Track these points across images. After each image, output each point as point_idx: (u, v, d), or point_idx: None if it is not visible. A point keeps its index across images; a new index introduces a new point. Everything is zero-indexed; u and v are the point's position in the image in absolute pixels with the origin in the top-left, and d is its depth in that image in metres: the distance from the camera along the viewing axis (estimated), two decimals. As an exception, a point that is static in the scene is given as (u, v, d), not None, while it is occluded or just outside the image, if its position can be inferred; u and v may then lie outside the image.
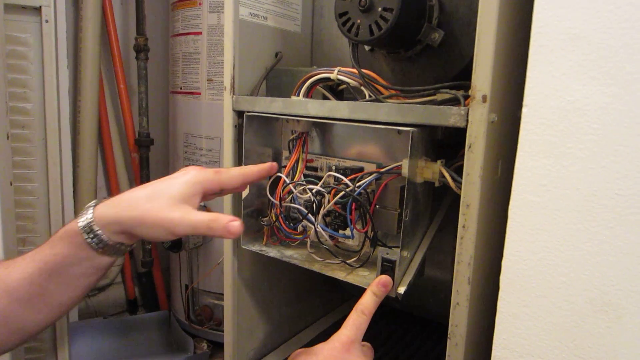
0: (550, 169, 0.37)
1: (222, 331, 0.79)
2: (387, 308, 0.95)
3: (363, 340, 0.53)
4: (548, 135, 0.37)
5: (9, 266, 0.51)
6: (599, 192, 0.35)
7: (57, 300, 0.52)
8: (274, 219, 0.67)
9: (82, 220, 0.50)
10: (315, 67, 0.75)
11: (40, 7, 0.99)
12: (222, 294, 0.77)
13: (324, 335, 0.87)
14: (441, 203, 0.66)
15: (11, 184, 0.86)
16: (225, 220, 0.50)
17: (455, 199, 0.52)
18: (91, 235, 0.50)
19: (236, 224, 0.51)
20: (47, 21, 0.99)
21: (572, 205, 0.37)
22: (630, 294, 0.35)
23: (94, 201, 0.52)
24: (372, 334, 0.78)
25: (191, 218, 0.50)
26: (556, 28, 0.36)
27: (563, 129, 0.36)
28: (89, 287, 0.54)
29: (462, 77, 0.57)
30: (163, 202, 0.51)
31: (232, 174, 0.58)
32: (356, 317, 0.52)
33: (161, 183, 0.53)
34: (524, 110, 0.38)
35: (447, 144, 0.60)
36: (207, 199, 0.58)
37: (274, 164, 0.62)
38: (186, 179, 0.53)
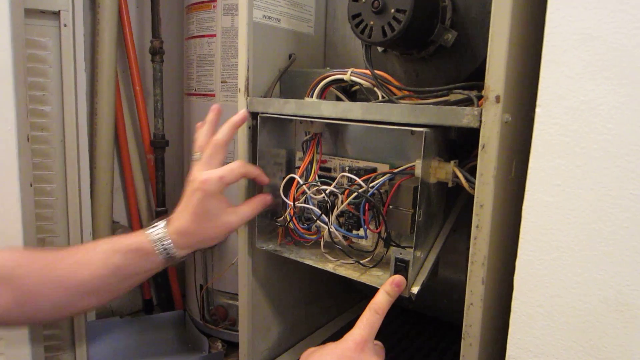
0: (564, 169, 0.37)
1: (237, 331, 0.80)
2: (401, 309, 0.95)
3: (376, 339, 0.53)
4: (562, 135, 0.37)
5: (76, 263, 0.61)
6: (613, 192, 0.35)
7: (118, 292, 0.64)
8: (288, 220, 0.68)
9: (160, 245, 0.62)
10: (328, 68, 0.75)
11: (59, 11, 1.01)
12: (237, 294, 0.77)
13: (338, 336, 0.87)
14: (455, 203, 0.66)
15: (31, 185, 0.88)
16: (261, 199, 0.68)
17: (469, 199, 0.52)
18: (166, 255, 0.62)
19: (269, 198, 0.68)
20: (65, 25, 1.01)
21: (586, 205, 0.37)
22: (646, 294, 0.35)
23: (163, 223, 0.64)
24: (386, 334, 0.78)
25: (243, 218, 0.66)
26: (569, 28, 0.36)
27: (577, 129, 0.36)
28: (145, 279, 0.66)
29: (475, 77, 0.57)
30: (219, 220, 0.64)
31: (234, 171, 0.65)
32: (370, 316, 0.53)
33: (197, 209, 0.62)
34: (538, 111, 0.38)
35: (460, 144, 0.60)
36: None
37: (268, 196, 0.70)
38: (201, 196, 0.62)
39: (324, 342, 0.87)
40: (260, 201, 0.67)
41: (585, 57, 0.35)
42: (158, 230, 0.63)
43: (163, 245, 0.62)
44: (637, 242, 0.35)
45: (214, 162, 0.64)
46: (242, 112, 0.67)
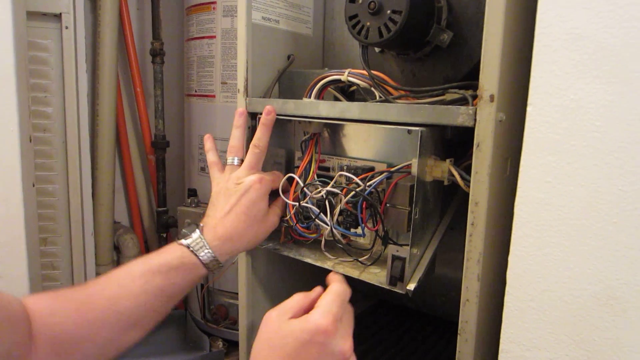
0: (554, 166, 0.38)
1: (237, 330, 0.81)
2: (401, 307, 0.96)
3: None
4: (552, 133, 0.38)
5: (113, 297, 0.55)
6: (602, 189, 0.36)
7: (161, 315, 0.58)
8: (291, 224, 0.68)
9: (204, 255, 0.59)
10: (326, 68, 0.76)
11: (60, 14, 1.02)
12: (237, 294, 0.78)
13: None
14: (452, 201, 0.67)
15: (34, 186, 0.89)
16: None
17: (465, 198, 0.53)
18: (211, 265, 0.60)
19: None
20: (67, 27, 1.02)
21: (576, 201, 0.37)
22: (635, 288, 0.36)
23: (197, 234, 0.61)
24: (386, 333, 0.78)
25: (279, 215, 0.67)
26: (559, 28, 0.37)
27: (567, 127, 0.37)
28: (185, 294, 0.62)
29: (471, 77, 0.57)
30: (266, 220, 0.65)
31: (280, 179, 0.67)
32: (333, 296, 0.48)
33: (249, 210, 0.63)
34: (529, 109, 0.39)
35: (457, 143, 0.60)
36: None
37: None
38: (255, 195, 0.63)
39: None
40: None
41: (574, 56, 0.36)
42: (196, 240, 0.60)
43: (207, 255, 0.59)
44: (626, 237, 0.36)
45: (259, 166, 0.66)
46: (267, 109, 0.66)
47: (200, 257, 0.59)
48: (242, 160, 0.67)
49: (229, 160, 0.67)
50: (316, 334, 0.43)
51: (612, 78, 0.35)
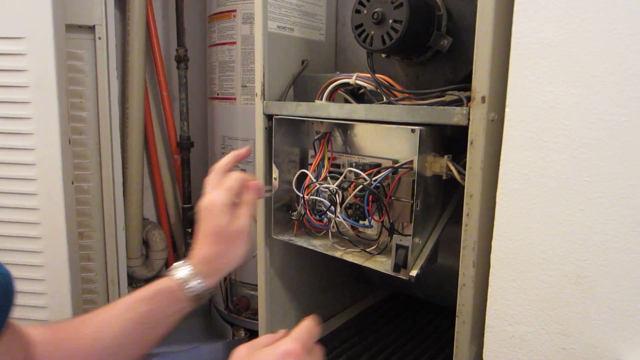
0: (529, 160, 0.43)
1: (258, 320, 0.86)
2: (412, 298, 1.00)
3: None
4: (527, 131, 0.43)
5: (97, 325, 0.57)
6: (570, 179, 0.41)
7: (149, 344, 0.59)
8: (302, 213, 0.74)
9: (185, 277, 0.59)
10: (338, 72, 0.81)
11: (94, 26, 1.10)
12: (257, 285, 0.84)
13: (352, 323, 0.93)
14: (454, 195, 0.71)
15: (72, 183, 0.97)
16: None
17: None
18: (193, 286, 0.59)
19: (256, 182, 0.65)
20: (99, 38, 1.10)
21: (548, 191, 0.42)
22: (600, 267, 0.40)
23: (182, 262, 0.61)
24: (399, 322, 0.81)
25: (249, 214, 0.64)
26: (531, 39, 0.41)
27: (539, 126, 0.42)
28: (172, 327, 0.61)
29: (469, 79, 0.62)
30: (232, 230, 0.62)
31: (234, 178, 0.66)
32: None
33: (210, 228, 0.62)
34: (507, 110, 0.44)
35: (458, 141, 0.65)
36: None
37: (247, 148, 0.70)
38: (206, 215, 0.64)
39: (338, 329, 0.92)
40: (255, 190, 0.65)
41: (545, 63, 0.41)
42: (179, 267, 0.61)
43: (187, 276, 0.59)
44: (591, 222, 0.40)
45: (215, 183, 0.67)
46: (246, 148, 0.69)
47: (180, 281, 0.59)
48: None
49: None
50: (285, 355, 0.43)
51: (577, 82, 0.39)
